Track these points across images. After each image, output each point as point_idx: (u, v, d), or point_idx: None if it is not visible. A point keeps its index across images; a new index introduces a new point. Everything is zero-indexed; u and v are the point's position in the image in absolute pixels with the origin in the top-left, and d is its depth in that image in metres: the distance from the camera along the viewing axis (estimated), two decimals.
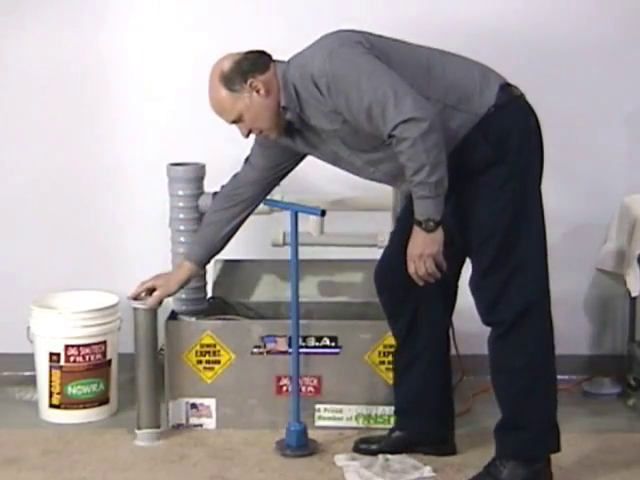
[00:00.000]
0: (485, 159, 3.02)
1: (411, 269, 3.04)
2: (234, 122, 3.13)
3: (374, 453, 3.37)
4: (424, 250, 2.99)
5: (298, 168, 3.97)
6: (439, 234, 2.98)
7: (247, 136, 3.17)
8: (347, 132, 3.05)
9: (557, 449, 3.16)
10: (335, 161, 3.22)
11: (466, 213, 3.09)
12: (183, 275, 3.48)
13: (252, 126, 3.12)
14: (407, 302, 3.29)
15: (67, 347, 3.69)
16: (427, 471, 3.27)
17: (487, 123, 3.02)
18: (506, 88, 3.09)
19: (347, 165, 3.20)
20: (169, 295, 3.50)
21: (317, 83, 2.97)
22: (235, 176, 3.45)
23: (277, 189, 3.66)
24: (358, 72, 2.93)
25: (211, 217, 3.45)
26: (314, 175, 4.03)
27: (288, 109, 3.07)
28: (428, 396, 3.35)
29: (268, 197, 3.56)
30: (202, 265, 3.52)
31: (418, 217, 2.98)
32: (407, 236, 3.08)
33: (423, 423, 3.37)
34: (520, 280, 3.08)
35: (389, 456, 3.33)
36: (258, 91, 3.05)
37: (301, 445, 3.43)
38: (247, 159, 3.40)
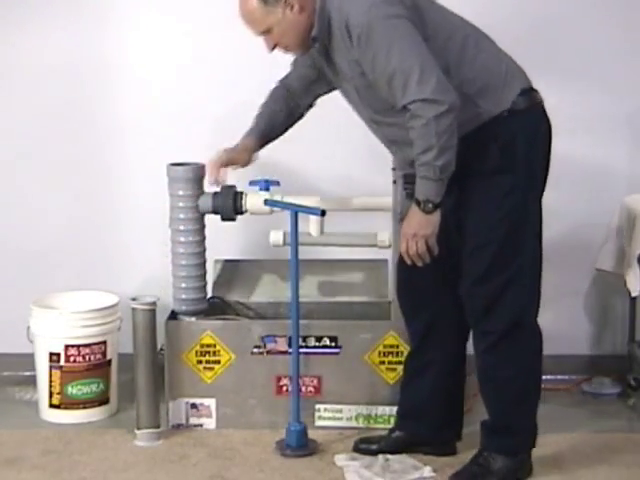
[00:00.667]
0: (492, 163, 3.02)
1: (402, 247, 3.04)
2: (262, 34, 3.09)
3: (374, 453, 3.37)
4: (418, 230, 2.99)
5: (298, 168, 3.99)
6: (436, 217, 2.98)
7: (271, 50, 3.12)
8: (362, 84, 3.04)
9: (535, 445, 3.24)
10: (349, 102, 3.20)
11: (465, 215, 3.09)
12: (251, 144, 3.42)
13: (279, 41, 3.09)
14: (426, 308, 3.28)
15: (67, 347, 3.69)
16: (427, 471, 3.27)
17: (498, 125, 3.01)
18: (528, 93, 3.07)
19: (357, 111, 3.18)
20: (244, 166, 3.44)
21: (350, 30, 2.94)
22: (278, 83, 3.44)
23: (277, 189, 3.67)
24: (392, 35, 2.90)
25: (264, 108, 3.44)
26: (314, 175, 4.04)
27: (317, 40, 3.05)
28: (434, 404, 3.34)
29: (268, 198, 3.57)
30: (263, 143, 3.45)
31: (418, 196, 2.98)
32: None
33: (424, 428, 3.37)
34: (513, 292, 3.09)
35: (389, 456, 3.34)
36: (292, 7, 3.01)
37: (301, 445, 3.43)
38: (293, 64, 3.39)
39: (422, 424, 3.36)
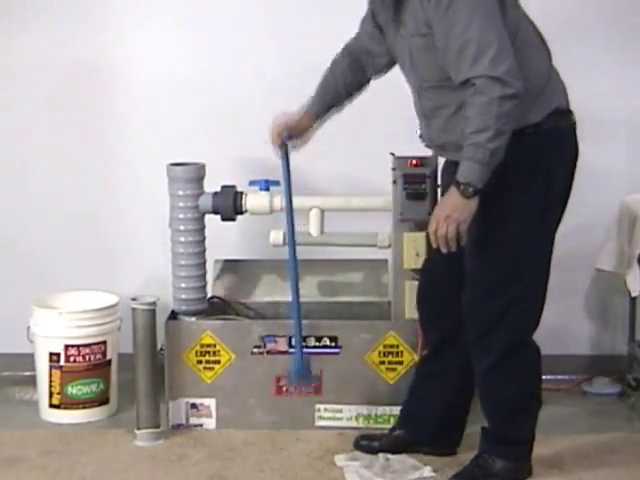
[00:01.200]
0: (510, 178, 2.94)
1: (431, 227, 2.92)
2: None
3: (375, 450, 3.37)
4: (452, 213, 2.87)
5: (298, 168, 3.97)
6: (474, 202, 2.87)
7: None
8: (420, 46, 2.95)
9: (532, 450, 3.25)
10: (401, 67, 3.12)
11: (475, 228, 2.99)
12: (312, 110, 3.33)
13: None
14: (446, 318, 3.26)
15: (67, 347, 3.69)
16: (427, 471, 3.27)
17: (524, 140, 2.92)
18: (563, 113, 3.02)
19: (406, 77, 3.10)
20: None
21: None
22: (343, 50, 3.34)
23: (277, 189, 3.67)
24: (477, 6, 2.82)
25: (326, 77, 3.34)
26: (314, 175, 4.04)
27: None
28: (439, 412, 3.34)
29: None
30: (325, 111, 3.35)
31: (459, 178, 2.87)
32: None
33: (426, 431, 3.37)
34: (517, 311, 3.07)
35: (389, 456, 3.34)
36: None
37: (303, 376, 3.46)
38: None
39: (424, 427, 3.36)
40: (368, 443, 3.42)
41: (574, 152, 3.08)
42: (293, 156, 4.02)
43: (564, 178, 3.06)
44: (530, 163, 2.97)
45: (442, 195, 3.20)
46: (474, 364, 3.17)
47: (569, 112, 3.07)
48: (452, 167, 3.00)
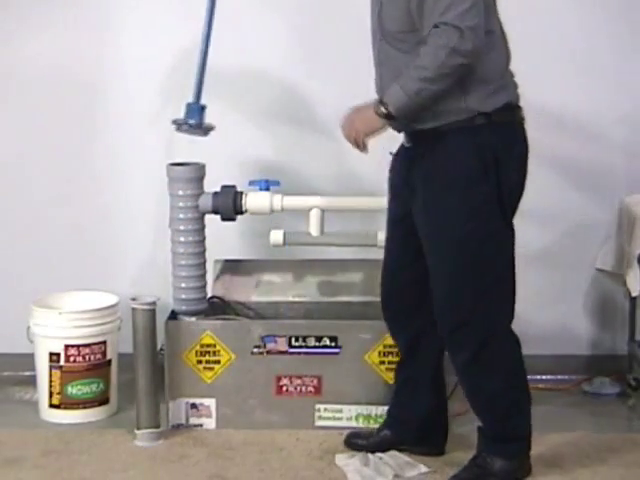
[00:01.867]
0: (463, 170, 2.99)
1: (342, 122, 3.10)
2: None
3: (359, 448, 3.39)
4: (358, 122, 3.03)
5: (298, 168, 3.98)
6: (380, 124, 2.99)
7: None
8: None
9: (530, 447, 3.23)
10: (371, 17, 3.13)
11: (434, 221, 3.05)
12: None
13: None
14: (410, 323, 3.28)
15: (67, 347, 3.69)
16: (422, 468, 3.29)
17: (475, 133, 2.98)
18: (513, 108, 3.06)
19: (372, 31, 3.14)
20: None
21: None
22: None
23: (277, 189, 3.67)
24: None
25: None
26: (314, 175, 4.04)
27: None
28: (421, 414, 3.35)
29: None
30: None
31: (382, 97, 3.00)
32: (401, 244, 3.13)
33: (411, 433, 3.38)
34: (486, 304, 3.06)
35: (380, 454, 3.35)
36: None
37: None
38: None
39: (408, 428, 3.38)
40: (355, 441, 3.44)
41: (524, 147, 3.10)
42: (294, 156, 4.05)
43: (516, 171, 3.07)
44: (481, 157, 2.99)
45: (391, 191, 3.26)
46: (453, 362, 3.16)
47: (519, 108, 3.10)
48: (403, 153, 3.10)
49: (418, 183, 3.08)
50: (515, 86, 3.11)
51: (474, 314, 3.07)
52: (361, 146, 3.06)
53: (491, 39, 2.98)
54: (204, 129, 3.63)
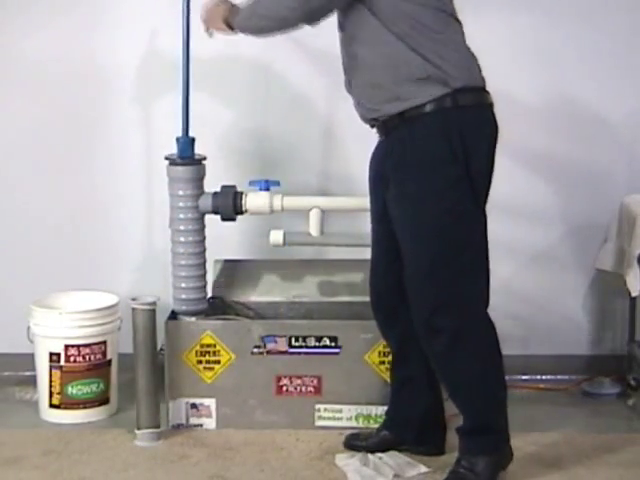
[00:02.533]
0: (433, 152, 3.00)
1: (205, 5, 3.32)
2: None
3: (359, 449, 3.38)
4: (210, 14, 3.28)
5: (298, 168, 3.98)
6: (222, 26, 3.24)
7: None
8: None
9: (509, 437, 3.20)
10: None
11: (405, 208, 3.07)
12: None
13: None
14: (398, 323, 3.28)
15: (67, 347, 3.69)
16: (422, 468, 3.29)
17: (443, 115, 2.99)
18: (478, 91, 3.07)
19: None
20: None
21: None
22: None
23: (277, 189, 3.67)
24: None
25: None
26: (314, 175, 4.04)
27: None
28: (418, 414, 3.35)
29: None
30: None
31: (241, 5, 3.21)
32: (385, 244, 3.14)
33: (410, 433, 3.38)
34: (460, 287, 3.05)
35: (380, 454, 3.35)
36: None
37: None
38: None
39: (407, 429, 3.38)
40: (355, 442, 3.43)
41: (493, 129, 3.09)
42: (294, 156, 4.05)
43: (485, 154, 3.07)
44: (449, 140, 2.99)
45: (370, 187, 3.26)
46: (429, 351, 3.15)
47: (485, 91, 3.10)
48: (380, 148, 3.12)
49: (390, 173, 3.10)
50: (479, 70, 3.11)
51: (449, 298, 3.06)
52: (207, 33, 3.34)
53: (446, 20, 3.02)
54: (196, 161, 3.66)
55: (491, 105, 3.11)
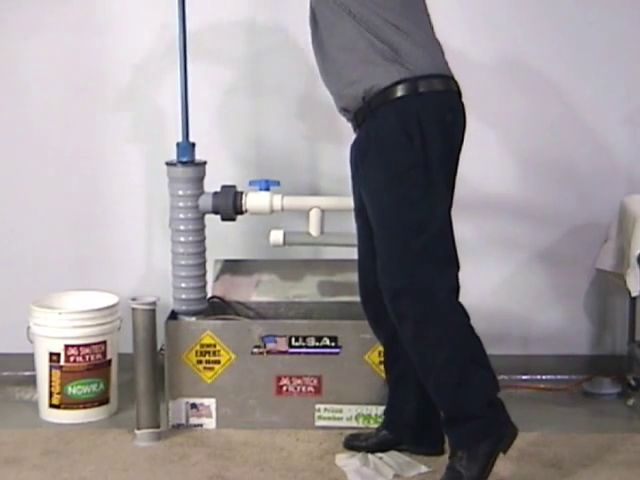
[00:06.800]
0: (394, 139, 3.03)
1: None
2: None
3: (359, 449, 3.38)
4: None
5: (298, 168, 3.98)
6: None
7: None
8: None
9: (511, 424, 3.08)
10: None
11: (369, 194, 3.12)
12: None
13: None
14: (386, 319, 3.24)
15: (67, 347, 3.69)
16: (423, 468, 3.29)
17: (403, 103, 3.02)
18: (440, 77, 3.08)
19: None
20: None
21: None
22: None
23: (277, 189, 3.67)
24: None
25: None
26: (314, 175, 4.05)
27: None
28: (415, 413, 3.34)
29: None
30: None
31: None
32: (366, 240, 3.17)
33: (408, 432, 3.37)
34: (422, 271, 3.04)
35: (380, 454, 3.35)
36: None
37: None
38: None
39: (405, 428, 3.38)
40: (355, 443, 3.43)
41: (456, 115, 3.10)
42: (294, 156, 4.05)
43: (445, 138, 3.06)
44: (405, 126, 3.01)
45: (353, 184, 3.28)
46: (403, 339, 3.13)
47: (446, 77, 3.11)
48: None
49: (359, 163, 3.13)
50: (442, 56, 3.13)
51: (411, 281, 3.06)
52: None
53: (410, 4, 3.08)
54: (196, 165, 3.66)
55: (452, 92, 3.11)
